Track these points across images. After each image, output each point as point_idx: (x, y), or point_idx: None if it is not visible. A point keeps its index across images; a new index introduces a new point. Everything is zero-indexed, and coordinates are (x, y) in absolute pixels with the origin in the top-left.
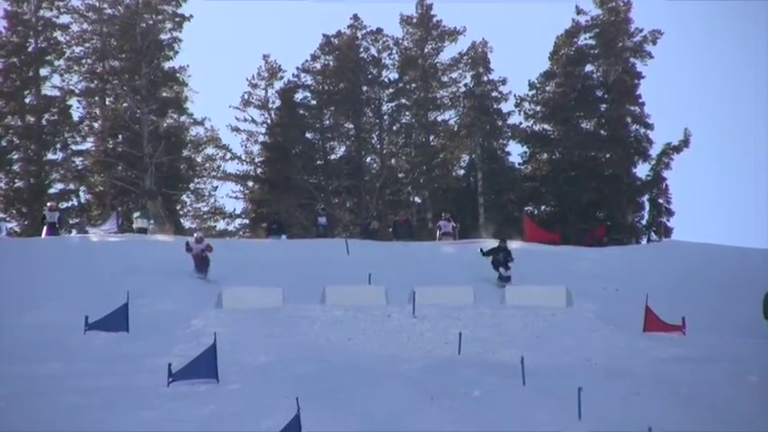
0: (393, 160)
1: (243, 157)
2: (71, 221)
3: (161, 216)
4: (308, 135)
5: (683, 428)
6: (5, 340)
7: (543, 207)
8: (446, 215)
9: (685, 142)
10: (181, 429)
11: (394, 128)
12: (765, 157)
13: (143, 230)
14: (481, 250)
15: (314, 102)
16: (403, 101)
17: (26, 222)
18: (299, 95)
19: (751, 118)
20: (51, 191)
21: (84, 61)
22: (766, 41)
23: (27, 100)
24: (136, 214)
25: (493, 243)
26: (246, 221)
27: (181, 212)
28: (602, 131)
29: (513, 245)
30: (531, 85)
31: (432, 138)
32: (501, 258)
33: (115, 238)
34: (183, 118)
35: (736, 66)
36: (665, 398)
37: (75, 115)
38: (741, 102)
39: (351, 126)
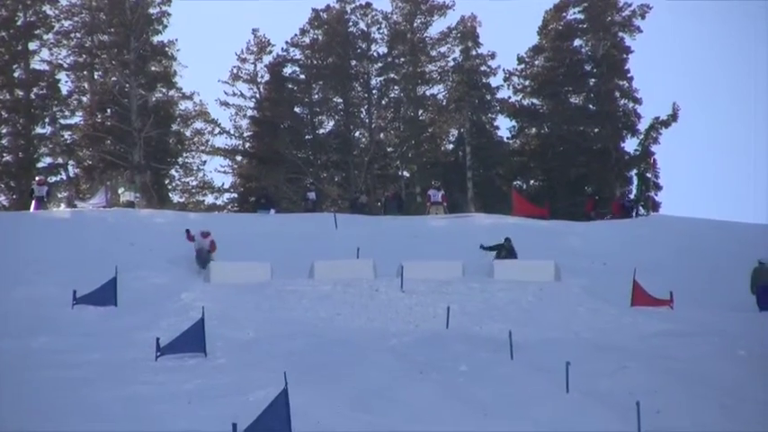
0: (382, 135)
1: (231, 132)
2: (60, 195)
3: (149, 190)
4: (297, 109)
5: (670, 402)
6: None
7: (532, 181)
8: (436, 183)
9: (674, 117)
10: (169, 403)
11: (383, 102)
12: (754, 131)
13: (131, 204)
14: (482, 246)
15: (303, 76)
16: (392, 75)
17: (15, 196)
18: (287, 70)
19: (740, 92)
20: (40, 165)
21: (72, 35)
22: (754, 15)
23: (16, 74)
24: (121, 189)
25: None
26: (235, 196)
27: (169, 187)
28: (591, 106)
29: (503, 219)
30: (520, 60)
31: (420, 112)
32: (503, 257)
33: (104, 212)
34: (171, 92)
35: (724, 39)
36: (653, 372)
37: (64, 89)
38: (730, 76)
39: (339, 100)
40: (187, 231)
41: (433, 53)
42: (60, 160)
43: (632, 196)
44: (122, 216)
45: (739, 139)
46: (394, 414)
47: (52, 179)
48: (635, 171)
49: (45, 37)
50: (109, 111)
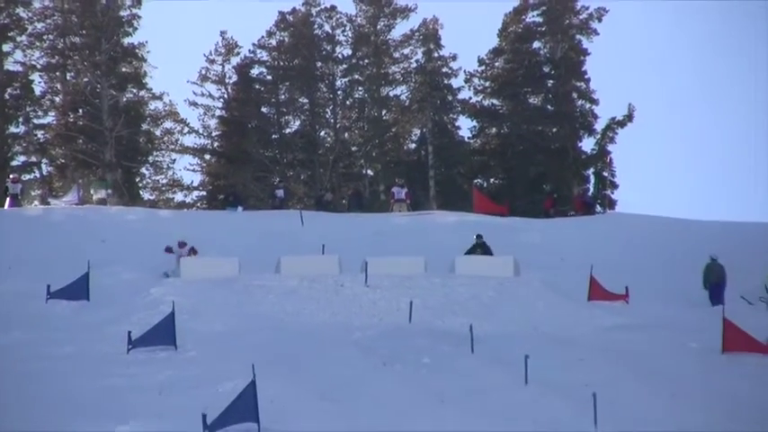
0: (346, 134)
1: (200, 131)
2: (33, 193)
3: (120, 188)
4: (264, 109)
5: (626, 394)
6: None
7: (492, 180)
8: (399, 181)
9: (629, 117)
10: (141, 394)
11: (347, 102)
12: (706, 131)
13: (102, 201)
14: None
15: (269, 77)
16: (356, 76)
17: None
18: (255, 71)
19: (693, 93)
20: (14, 163)
21: (45, 37)
22: (705, 18)
23: None
24: (93, 187)
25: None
26: (204, 194)
27: (140, 184)
28: (549, 106)
29: (464, 216)
30: (481, 62)
31: (384, 112)
32: (479, 254)
33: (76, 209)
34: (141, 93)
35: (678, 41)
36: (609, 364)
37: (37, 90)
38: (683, 77)
39: (305, 101)
40: (167, 248)
41: (396, 55)
42: (34, 159)
43: (590, 194)
44: (94, 213)
45: (694, 138)
46: (358, 404)
47: (26, 177)
48: (592, 170)
49: (18, 39)
50: (81, 111)
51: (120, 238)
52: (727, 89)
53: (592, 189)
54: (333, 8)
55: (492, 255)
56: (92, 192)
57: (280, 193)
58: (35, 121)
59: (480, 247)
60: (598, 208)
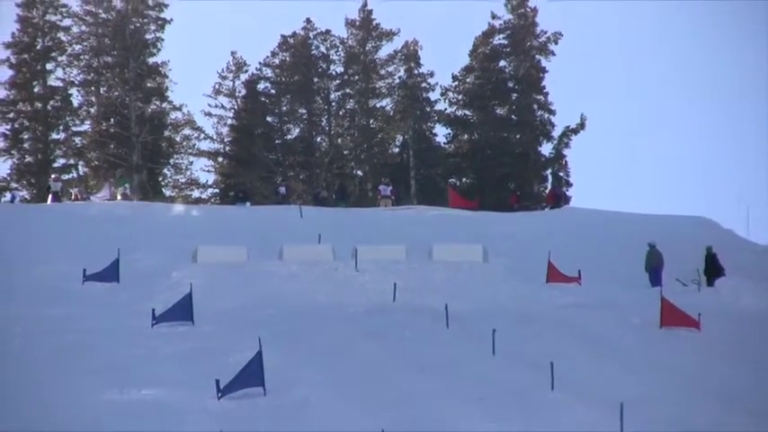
0: (339, 140)
1: (214, 137)
2: (71, 190)
3: (145, 185)
4: (269, 119)
5: (578, 362)
6: (19, 290)
7: (464, 179)
8: (385, 180)
9: (582, 125)
10: (163, 363)
11: (340, 113)
12: (648, 136)
13: (125, 197)
14: None
15: (273, 91)
16: (347, 90)
17: (34, 191)
18: (260, 86)
19: (636, 103)
20: (55, 165)
21: (82, 57)
22: (646, 41)
23: (35, 89)
24: (116, 182)
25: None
26: (217, 191)
27: (162, 183)
28: (513, 116)
29: (441, 211)
30: (454, 78)
31: (371, 121)
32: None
33: (108, 203)
34: (164, 104)
35: (623, 60)
36: (564, 337)
37: (75, 102)
38: (628, 90)
39: (304, 111)
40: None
41: (382, 72)
42: (72, 161)
43: (548, 189)
44: (123, 207)
45: (639, 143)
46: (349, 371)
47: (65, 177)
48: (550, 170)
49: (59, 59)
50: (112, 120)
51: (145, 229)
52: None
53: (550, 187)
54: (328, 32)
55: None
56: (112, 188)
57: (282, 190)
58: (73, 128)
59: None
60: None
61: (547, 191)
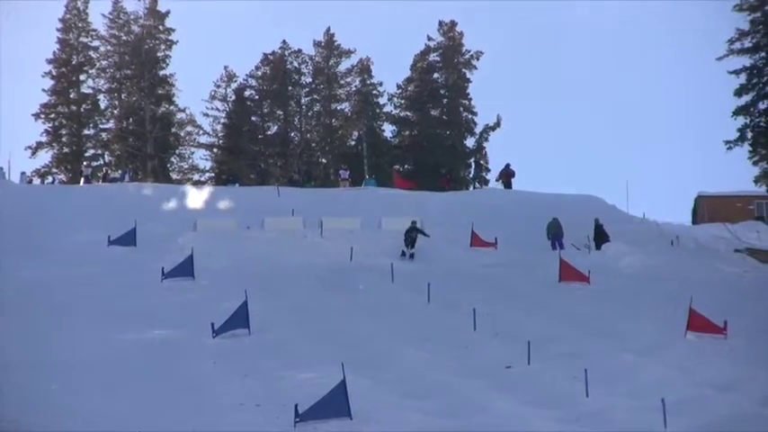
0: (308, 135)
1: (210, 133)
2: (99, 174)
3: (156, 171)
4: (253, 118)
5: (496, 309)
6: (59, 253)
7: (406, 166)
8: (344, 167)
9: (498, 124)
10: (170, 310)
11: (309, 114)
12: (550, 130)
13: (121, 179)
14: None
15: (257, 96)
16: (315, 96)
17: (70, 175)
18: (247, 92)
19: (541, 104)
20: (86, 154)
21: (107, 70)
22: (546, 57)
23: (71, 95)
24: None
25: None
26: (212, 175)
27: (170, 169)
28: (444, 117)
29: (388, 190)
30: (399, 86)
31: (333, 120)
32: (413, 236)
33: (128, 185)
34: (171, 107)
35: (530, 71)
36: (485, 290)
37: (102, 105)
38: (535, 95)
39: (281, 112)
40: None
41: (342, 82)
42: (99, 151)
43: (471, 174)
44: (139, 187)
45: (542, 136)
46: (316, 316)
47: (94, 164)
48: (473, 159)
49: (90, 71)
50: (131, 119)
51: (156, 205)
52: (559, 103)
53: (473, 173)
54: (299, 50)
55: (427, 235)
56: (110, 172)
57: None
58: (100, 126)
59: (415, 230)
60: (476, 185)
61: (501, 170)
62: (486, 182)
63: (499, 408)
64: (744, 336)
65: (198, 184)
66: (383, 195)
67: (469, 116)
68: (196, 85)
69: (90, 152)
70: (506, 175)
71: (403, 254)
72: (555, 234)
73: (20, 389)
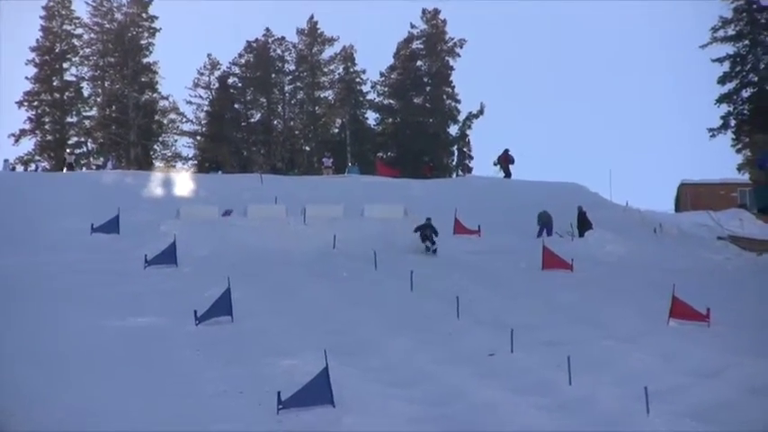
0: (291, 123)
1: (193, 121)
2: (82, 162)
3: (140, 159)
4: (236, 106)
5: (480, 294)
6: (42, 240)
7: (389, 153)
8: (327, 154)
9: (481, 111)
10: (152, 297)
11: (292, 101)
12: (533, 119)
13: (104, 166)
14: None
15: (240, 84)
16: (298, 84)
17: (53, 162)
18: (230, 80)
19: (524, 93)
20: (70, 142)
21: (91, 58)
22: (529, 45)
23: (54, 83)
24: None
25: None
26: (195, 162)
27: (153, 156)
28: (428, 105)
29: (371, 178)
30: (382, 74)
31: (317, 108)
32: (428, 234)
33: (111, 172)
34: (154, 95)
35: (513, 60)
36: (470, 275)
37: (85, 93)
38: (518, 83)
39: (264, 100)
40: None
41: (325, 69)
42: (83, 139)
43: (455, 162)
44: (123, 175)
45: (526, 124)
46: (299, 304)
47: (77, 151)
48: (456, 147)
49: (73, 59)
50: (114, 107)
51: (139, 192)
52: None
53: (456, 160)
54: (283, 38)
55: (437, 234)
56: (91, 159)
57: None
58: (83, 113)
59: (429, 228)
60: (459, 173)
61: (500, 155)
62: (470, 169)
63: (482, 395)
64: (726, 323)
65: (180, 171)
66: (366, 183)
67: (453, 104)
68: (179, 73)
69: (73, 140)
70: (505, 160)
71: (427, 249)
72: (545, 223)
73: (1, 377)
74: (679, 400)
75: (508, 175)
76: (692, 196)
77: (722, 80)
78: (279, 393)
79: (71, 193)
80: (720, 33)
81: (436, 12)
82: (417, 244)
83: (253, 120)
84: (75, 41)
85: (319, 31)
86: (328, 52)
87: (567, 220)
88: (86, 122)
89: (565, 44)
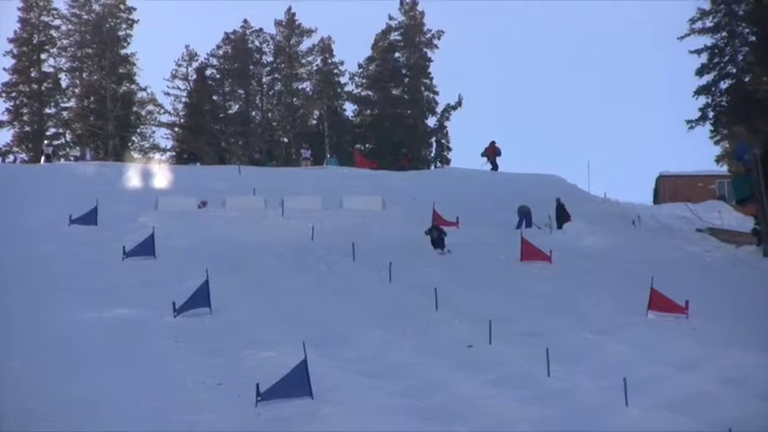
0: (269, 114)
1: (171, 112)
2: (60, 153)
3: (118, 150)
4: (215, 97)
5: (456, 287)
6: (20, 229)
7: (367, 145)
8: (306, 146)
9: (460, 103)
10: (131, 288)
11: (270, 93)
12: (511, 110)
13: (82, 157)
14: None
15: (218, 75)
16: (276, 75)
17: (31, 154)
18: (208, 71)
19: (502, 85)
20: (48, 133)
21: (69, 49)
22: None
23: (32, 74)
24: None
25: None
26: (173, 154)
27: (131, 148)
28: (406, 96)
29: (350, 170)
30: (360, 66)
31: (295, 99)
32: (436, 236)
33: (89, 164)
34: (132, 86)
35: (490, 51)
36: (446, 268)
37: (64, 84)
38: (496, 75)
39: (242, 92)
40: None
41: (303, 61)
42: (61, 130)
43: (433, 153)
44: (101, 166)
45: (504, 116)
46: (278, 295)
47: (55, 142)
48: (434, 139)
49: (51, 50)
50: (92, 98)
51: (117, 184)
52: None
53: (434, 152)
54: (261, 29)
55: (446, 234)
56: (69, 150)
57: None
58: (62, 104)
59: (437, 230)
60: (438, 164)
61: (486, 147)
62: (448, 161)
63: (461, 387)
64: (705, 315)
65: (159, 162)
66: (345, 175)
67: (431, 95)
68: (157, 65)
69: (51, 131)
70: (492, 152)
71: (442, 249)
72: (524, 214)
73: None
74: (657, 392)
75: (495, 167)
76: (670, 188)
77: (700, 72)
78: (258, 385)
79: (49, 184)
80: (698, 25)
81: (414, 3)
82: (393, 236)
83: (231, 111)
84: (54, 33)
85: (297, 23)
86: (306, 44)
87: (546, 212)
88: (64, 114)
89: (543, 36)
